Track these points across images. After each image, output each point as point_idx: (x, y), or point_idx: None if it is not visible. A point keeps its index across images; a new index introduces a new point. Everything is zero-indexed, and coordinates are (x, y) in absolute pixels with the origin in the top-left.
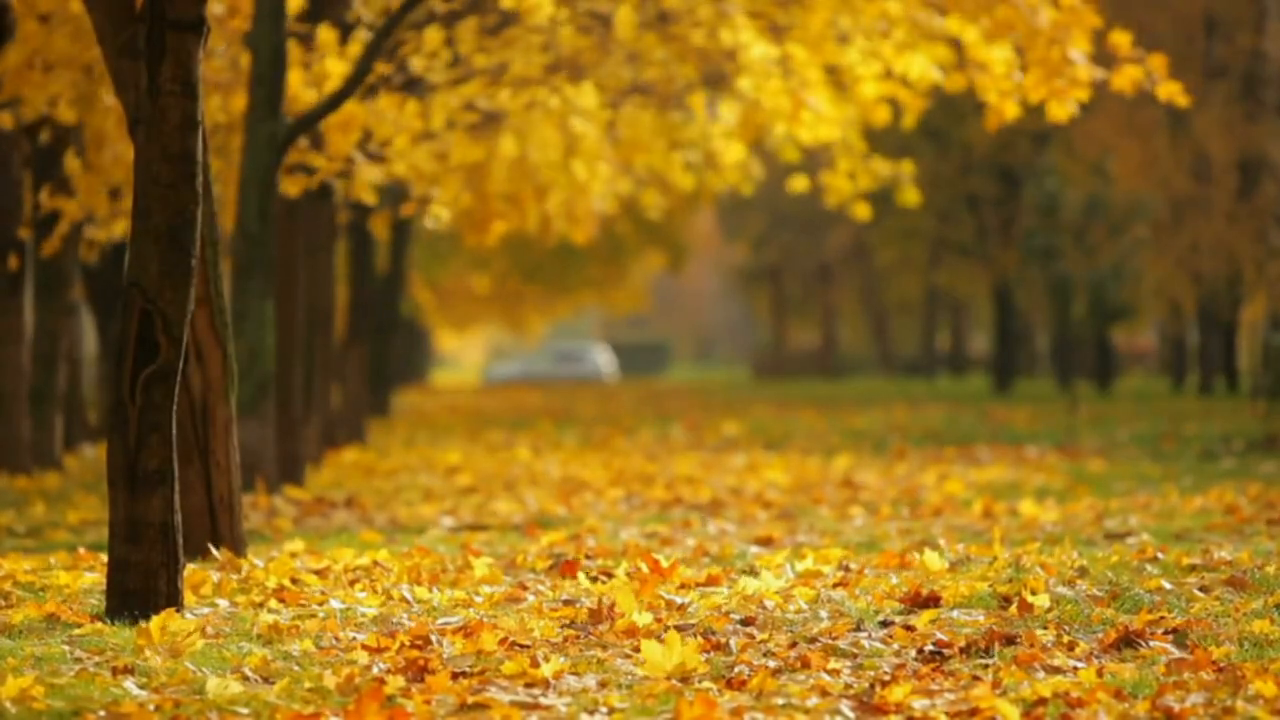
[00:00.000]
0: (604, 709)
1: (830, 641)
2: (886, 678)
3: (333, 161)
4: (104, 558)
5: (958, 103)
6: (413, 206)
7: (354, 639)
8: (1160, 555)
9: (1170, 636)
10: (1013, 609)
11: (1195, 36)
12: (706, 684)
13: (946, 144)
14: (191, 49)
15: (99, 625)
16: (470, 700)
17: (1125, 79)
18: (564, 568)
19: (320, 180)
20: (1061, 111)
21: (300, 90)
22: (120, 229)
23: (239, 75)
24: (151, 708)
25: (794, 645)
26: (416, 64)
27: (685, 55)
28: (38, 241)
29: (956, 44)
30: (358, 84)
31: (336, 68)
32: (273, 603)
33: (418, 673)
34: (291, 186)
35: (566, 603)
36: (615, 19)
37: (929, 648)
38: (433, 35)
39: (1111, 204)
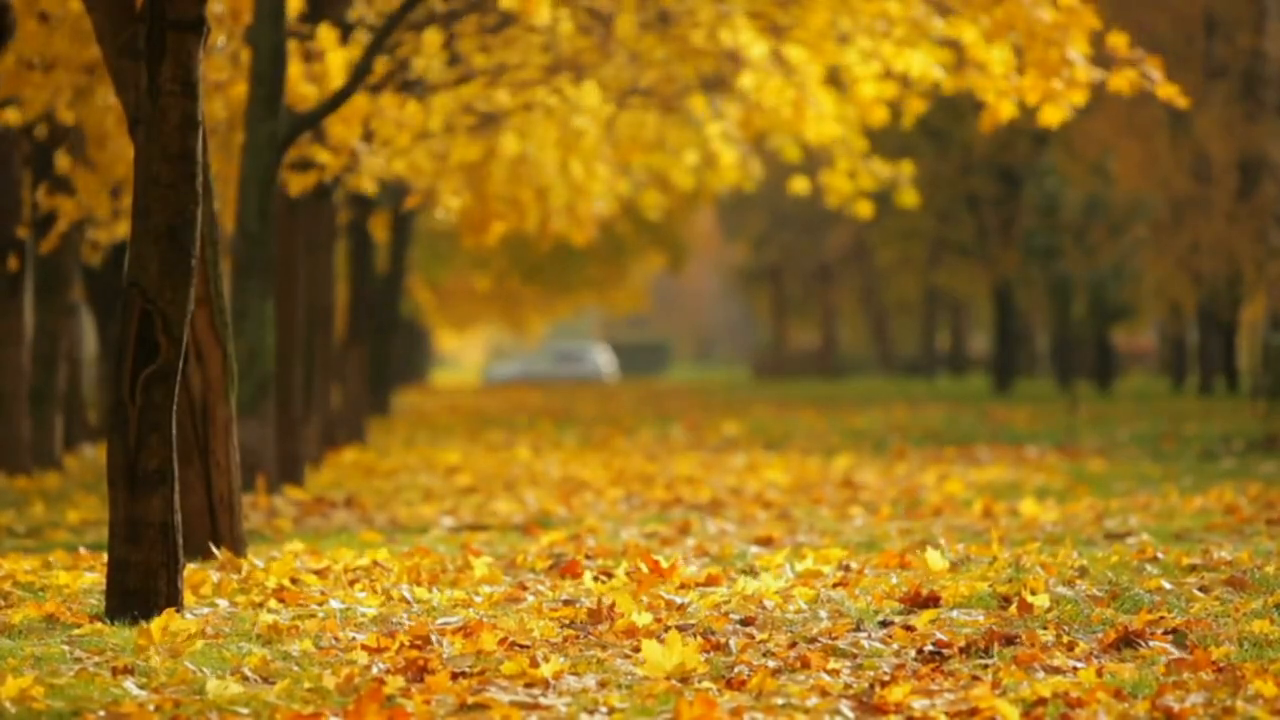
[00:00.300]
0: (604, 709)
1: (830, 641)
2: (886, 678)
3: (336, 154)
4: (104, 558)
5: (958, 103)
6: (418, 198)
7: (354, 639)
8: (1160, 555)
9: (1170, 636)
10: (1013, 609)
11: (1195, 36)
12: (706, 684)
13: (946, 144)
14: (191, 49)
15: (99, 625)
16: (470, 700)
17: (1123, 80)
18: (567, 568)
19: (323, 177)
20: (1055, 116)
21: (300, 84)
22: (121, 229)
23: (240, 70)
24: (151, 708)
25: (794, 645)
26: (416, 64)
27: (685, 55)
28: (37, 241)
29: (955, 44)
30: (358, 84)
31: (336, 61)
32: (273, 603)
33: (417, 673)
34: (296, 183)
35: (566, 603)
36: (616, 19)
37: (929, 648)
38: (432, 36)
39: (1111, 204)
